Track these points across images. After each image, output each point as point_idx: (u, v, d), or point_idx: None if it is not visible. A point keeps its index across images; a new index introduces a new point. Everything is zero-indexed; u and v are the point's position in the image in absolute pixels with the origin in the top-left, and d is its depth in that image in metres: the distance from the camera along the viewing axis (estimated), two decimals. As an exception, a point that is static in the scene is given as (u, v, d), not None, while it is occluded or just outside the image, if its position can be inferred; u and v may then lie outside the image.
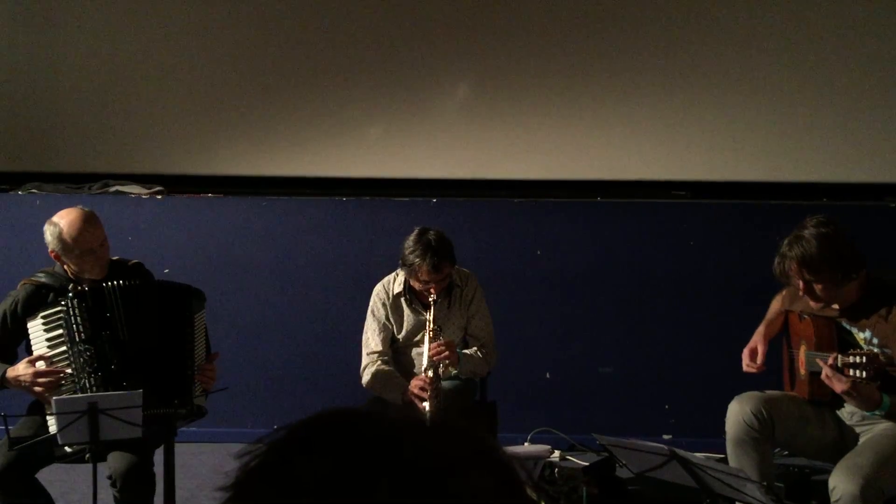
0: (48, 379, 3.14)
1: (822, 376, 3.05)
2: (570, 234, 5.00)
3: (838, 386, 3.00)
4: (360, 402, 3.71)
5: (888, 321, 3.12)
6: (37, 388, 3.15)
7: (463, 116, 5.36)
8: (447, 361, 3.66)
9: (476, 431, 0.78)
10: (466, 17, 5.29)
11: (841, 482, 2.97)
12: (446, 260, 3.67)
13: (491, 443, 0.78)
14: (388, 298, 3.89)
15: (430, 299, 3.69)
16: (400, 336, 3.90)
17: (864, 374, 2.96)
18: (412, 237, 3.70)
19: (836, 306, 3.24)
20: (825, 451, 3.37)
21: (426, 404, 3.54)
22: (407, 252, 3.68)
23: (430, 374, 3.59)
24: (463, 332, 3.91)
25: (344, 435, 0.74)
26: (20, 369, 3.16)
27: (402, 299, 3.87)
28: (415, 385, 3.64)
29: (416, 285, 3.76)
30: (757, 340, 3.51)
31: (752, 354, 3.47)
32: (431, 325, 3.67)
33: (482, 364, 3.87)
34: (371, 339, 3.88)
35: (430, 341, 3.64)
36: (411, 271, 3.69)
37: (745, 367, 3.49)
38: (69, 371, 3.19)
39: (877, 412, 3.08)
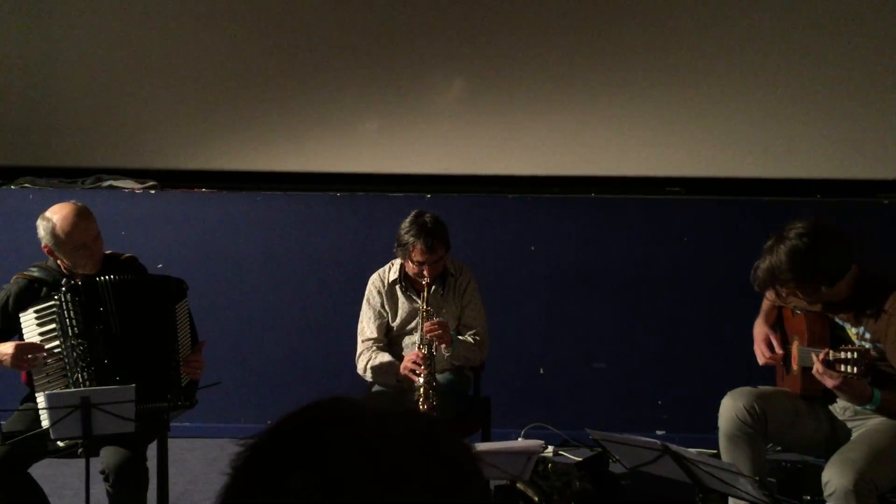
0: (32, 354, 3.13)
1: (814, 371, 3.06)
2: (563, 231, 5.00)
3: (829, 381, 3.01)
4: (354, 395, 3.71)
5: (880, 317, 3.12)
6: (18, 362, 3.13)
7: (457, 112, 5.36)
8: (440, 342, 3.69)
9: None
10: (461, 13, 5.29)
11: (834, 476, 2.98)
12: (440, 241, 3.73)
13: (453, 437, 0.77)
14: (384, 286, 3.94)
15: (424, 282, 3.73)
16: (394, 324, 3.94)
17: (854, 369, 2.97)
18: (408, 219, 3.78)
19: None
20: (817, 446, 3.38)
21: (420, 378, 3.58)
22: (402, 232, 3.75)
23: (424, 350, 3.63)
24: (457, 322, 3.94)
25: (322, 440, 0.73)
26: (4, 346, 3.16)
27: (398, 286, 3.92)
28: (408, 359, 3.70)
29: (411, 268, 3.79)
30: (766, 331, 3.51)
31: (770, 345, 3.47)
32: (425, 307, 3.71)
33: (475, 350, 3.90)
34: (366, 327, 3.93)
35: (424, 321, 3.69)
36: (405, 251, 3.74)
37: (764, 361, 3.48)
38: (52, 360, 3.18)
39: (868, 406, 3.09)
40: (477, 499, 0.73)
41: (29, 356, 3.13)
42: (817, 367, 3.02)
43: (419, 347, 3.68)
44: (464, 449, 0.76)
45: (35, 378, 3.20)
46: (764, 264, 3.08)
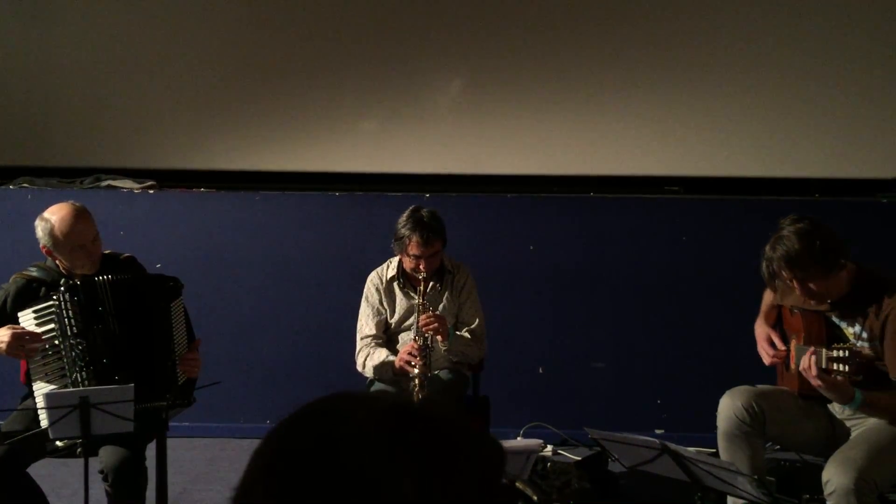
0: (29, 339, 3.12)
1: (801, 368, 3.07)
2: (563, 230, 5.00)
3: (814, 379, 3.02)
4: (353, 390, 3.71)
5: (877, 315, 3.13)
6: (15, 350, 3.11)
7: (456, 112, 5.36)
8: (436, 334, 3.71)
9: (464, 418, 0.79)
10: (460, 12, 5.29)
11: (835, 475, 2.98)
12: (437, 235, 3.77)
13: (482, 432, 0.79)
14: (382, 283, 3.98)
15: (421, 276, 3.75)
16: (392, 321, 3.97)
17: (847, 367, 2.97)
18: (406, 213, 3.83)
19: (828, 301, 3.25)
20: (816, 445, 3.39)
21: (416, 369, 3.62)
22: (399, 226, 3.80)
23: (420, 341, 3.67)
24: (454, 319, 3.96)
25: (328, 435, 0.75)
26: (0, 332, 3.15)
27: (395, 283, 3.96)
28: (404, 351, 3.73)
29: (408, 263, 3.82)
30: (767, 331, 3.54)
31: (772, 344, 3.48)
32: (422, 300, 3.74)
33: (472, 346, 3.92)
34: (365, 325, 3.96)
35: (420, 314, 3.72)
36: (402, 245, 3.78)
37: (770, 360, 3.50)
38: (51, 360, 3.17)
39: (850, 406, 3.10)
40: (446, 487, 0.73)
41: (27, 337, 3.12)
42: (803, 364, 3.03)
43: (415, 339, 3.72)
44: (445, 436, 0.76)
45: (34, 377, 3.20)
46: (777, 254, 3.08)
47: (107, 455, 3.13)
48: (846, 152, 5.20)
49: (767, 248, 3.14)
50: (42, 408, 2.99)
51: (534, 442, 3.27)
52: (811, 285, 3.12)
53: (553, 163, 5.29)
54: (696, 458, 2.84)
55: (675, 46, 5.22)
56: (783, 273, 3.11)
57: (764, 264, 3.16)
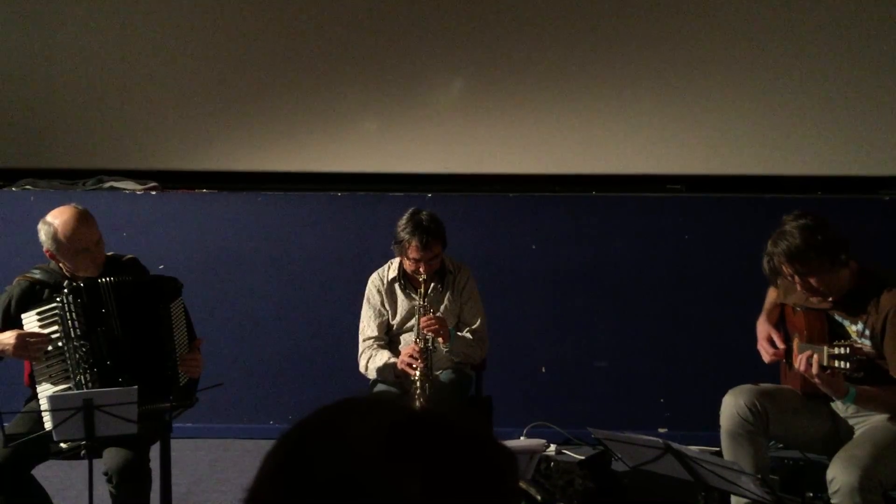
0: (34, 340, 3.14)
1: (797, 366, 3.08)
2: (565, 229, 5.00)
3: (812, 376, 3.03)
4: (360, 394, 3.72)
5: (878, 312, 3.13)
6: (20, 350, 3.12)
7: (458, 111, 5.36)
8: (437, 335, 3.72)
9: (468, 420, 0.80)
10: (461, 11, 5.29)
11: (839, 474, 2.99)
12: (436, 238, 3.78)
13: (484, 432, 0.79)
14: (383, 285, 3.99)
15: (421, 279, 3.77)
16: (394, 322, 3.98)
17: (847, 364, 2.98)
18: (405, 216, 3.83)
19: (830, 298, 3.26)
20: (819, 443, 3.39)
21: (416, 371, 3.63)
22: (399, 230, 3.81)
23: (420, 344, 3.68)
24: (456, 320, 3.96)
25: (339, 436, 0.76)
26: (5, 334, 3.16)
27: (397, 284, 3.96)
28: (405, 353, 3.74)
29: (408, 265, 3.84)
30: (767, 329, 3.54)
31: (772, 342, 3.49)
32: (422, 302, 3.75)
33: (474, 347, 3.92)
34: (367, 326, 3.97)
35: (421, 316, 3.73)
36: (402, 249, 3.79)
37: (769, 358, 3.51)
38: (54, 361, 3.18)
39: (844, 401, 3.12)
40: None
41: (31, 340, 3.13)
42: (800, 364, 3.04)
43: (416, 341, 3.73)
44: (449, 443, 0.77)
45: (38, 380, 3.21)
46: (779, 249, 3.09)
47: (110, 457, 3.14)
48: (848, 150, 5.19)
49: (769, 243, 3.15)
50: (46, 410, 2.99)
51: (537, 442, 3.28)
52: (812, 281, 3.12)
53: (555, 162, 5.29)
54: (699, 458, 2.84)
55: (677, 45, 5.22)
56: (784, 268, 3.12)
57: (765, 259, 3.17)
